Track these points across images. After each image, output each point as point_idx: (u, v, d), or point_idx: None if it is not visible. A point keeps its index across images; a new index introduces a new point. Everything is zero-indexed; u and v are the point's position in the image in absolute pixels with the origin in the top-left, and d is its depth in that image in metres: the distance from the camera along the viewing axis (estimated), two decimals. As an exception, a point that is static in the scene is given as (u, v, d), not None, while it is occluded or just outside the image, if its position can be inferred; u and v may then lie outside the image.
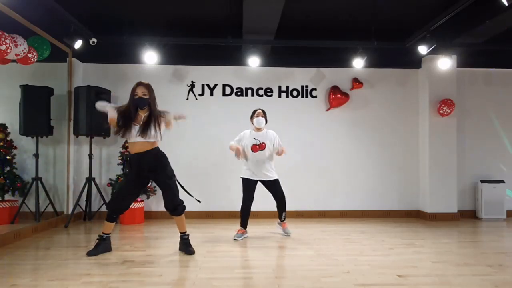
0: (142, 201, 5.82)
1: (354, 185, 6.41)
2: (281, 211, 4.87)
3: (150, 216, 6.08)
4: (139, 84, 3.84)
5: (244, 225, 4.76)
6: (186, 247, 4.03)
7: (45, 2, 4.34)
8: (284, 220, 4.92)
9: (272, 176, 4.74)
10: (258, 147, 4.68)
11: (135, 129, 3.77)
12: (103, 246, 3.96)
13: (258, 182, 4.78)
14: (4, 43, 4.01)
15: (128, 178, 4.02)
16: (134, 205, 5.66)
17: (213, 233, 5.04)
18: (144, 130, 3.76)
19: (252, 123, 4.83)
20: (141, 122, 3.79)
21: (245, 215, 4.74)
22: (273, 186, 4.77)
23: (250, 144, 4.70)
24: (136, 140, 3.80)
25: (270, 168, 4.74)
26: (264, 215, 6.12)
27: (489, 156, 6.56)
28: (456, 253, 4.08)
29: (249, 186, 4.71)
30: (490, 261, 3.74)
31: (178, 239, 4.14)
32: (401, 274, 3.32)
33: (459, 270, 3.46)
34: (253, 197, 4.74)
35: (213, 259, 3.81)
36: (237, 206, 6.30)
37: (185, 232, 4.08)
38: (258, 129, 4.78)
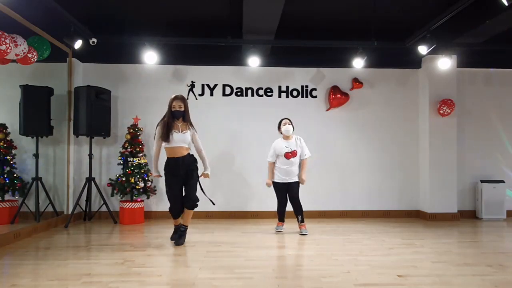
0: (142, 201, 5.82)
1: (354, 185, 6.41)
2: (297, 214, 5.11)
3: (150, 216, 6.08)
4: (175, 98, 4.42)
5: (281, 220, 5.25)
6: (179, 237, 4.44)
7: (45, 2, 4.34)
8: (302, 222, 5.12)
9: (295, 178, 5.08)
10: (291, 154, 5.05)
11: (176, 135, 4.33)
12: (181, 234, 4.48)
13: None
14: (4, 43, 4.01)
15: (170, 182, 4.39)
16: (134, 205, 5.68)
17: (213, 233, 5.04)
18: (183, 137, 4.36)
19: (281, 132, 5.17)
20: (181, 130, 4.38)
21: (280, 213, 5.21)
22: (291, 188, 5.06)
23: (283, 152, 5.06)
24: (176, 145, 4.32)
25: (296, 172, 5.09)
26: (264, 215, 6.13)
27: (489, 156, 6.55)
28: (456, 253, 4.08)
29: (279, 188, 5.13)
30: (490, 261, 3.74)
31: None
32: (401, 274, 3.32)
33: (459, 270, 3.46)
34: (286, 197, 5.13)
35: (213, 259, 3.81)
36: (236, 206, 6.34)
37: (186, 225, 4.47)
38: (287, 137, 5.13)
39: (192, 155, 4.49)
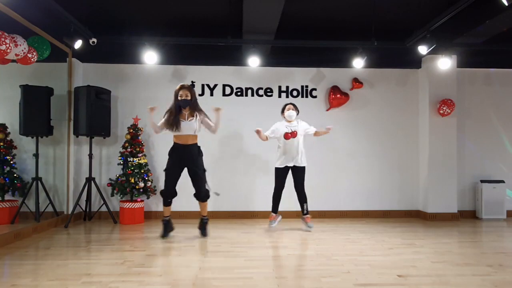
0: (142, 201, 5.81)
1: (354, 185, 6.40)
2: (301, 203, 5.17)
3: (150, 216, 6.07)
4: (182, 87, 4.58)
5: (275, 210, 5.24)
6: (203, 229, 4.80)
7: (45, 2, 4.33)
8: (307, 213, 5.18)
9: (300, 163, 5.12)
10: (290, 135, 5.11)
11: (182, 124, 4.53)
12: (168, 227, 4.71)
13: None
14: (4, 43, 4.01)
15: (171, 165, 4.62)
16: (134, 205, 5.68)
17: (214, 233, 5.03)
18: (189, 125, 4.56)
19: (284, 117, 5.25)
20: (187, 118, 4.57)
21: (276, 201, 5.22)
22: (297, 173, 5.12)
23: (283, 133, 5.13)
24: (183, 134, 4.55)
25: (301, 155, 5.13)
26: (264, 215, 6.12)
27: (489, 156, 6.55)
28: (456, 253, 4.08)
29: (280, 174, 5.16)
30: (490, 261, 3.75)
31: (178, 239, 4.52)
32: (401, 274, 3.33)
33: (459, 270, 3.46)
34: (284, 183, 5.18)
35: (213, 259, 3.81)
36: (237, 206, 6.33)
37: (205, 215, 4.83)
38: (290, 121, 5.21)
39: (199, 146, 4.71)
